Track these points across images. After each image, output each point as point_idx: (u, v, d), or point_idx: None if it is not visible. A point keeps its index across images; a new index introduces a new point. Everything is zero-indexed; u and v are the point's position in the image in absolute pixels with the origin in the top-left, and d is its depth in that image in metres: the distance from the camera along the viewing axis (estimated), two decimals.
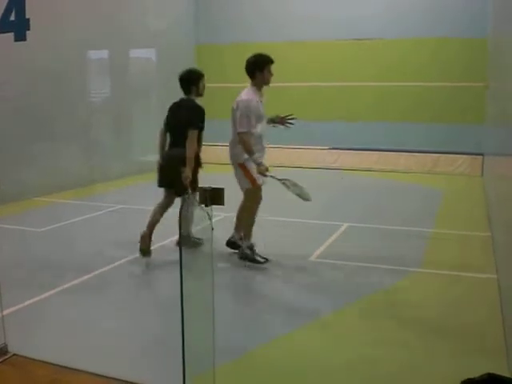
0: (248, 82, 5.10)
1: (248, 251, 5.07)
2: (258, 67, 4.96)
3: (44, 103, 8.33)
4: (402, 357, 3.32)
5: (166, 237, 5.73)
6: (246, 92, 4.99)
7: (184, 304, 2.25)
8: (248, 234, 5.13)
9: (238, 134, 4.87)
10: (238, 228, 5.20)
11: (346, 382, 3.08)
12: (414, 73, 11.11)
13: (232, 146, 5.07)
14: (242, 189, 5.05)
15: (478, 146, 10.44)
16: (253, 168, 4.92)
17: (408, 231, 6.47)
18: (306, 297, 4.33)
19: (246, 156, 4.91)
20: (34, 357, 3.18)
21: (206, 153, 13.60)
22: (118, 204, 7.85)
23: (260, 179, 4.98)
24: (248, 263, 5.02)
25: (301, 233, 6.46)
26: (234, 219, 5.20)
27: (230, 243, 5.24)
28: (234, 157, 5.06)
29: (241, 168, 5.00)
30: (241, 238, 5.14)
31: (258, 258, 5.02)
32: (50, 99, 8.47)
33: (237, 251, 5.18)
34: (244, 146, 4.85)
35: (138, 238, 5.17)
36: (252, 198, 5.04)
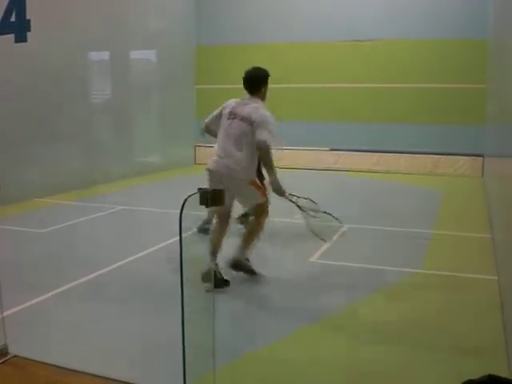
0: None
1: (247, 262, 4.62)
2: (265, 81, 4.66)
3: (45, 104, 8.34)
4: (402, 358, 3.31)
5: (168, 238, 5.73)
6: (262, 107, 4.57)
7: (184, 305, 2.25)
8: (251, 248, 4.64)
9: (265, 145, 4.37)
10: (245, 249, 4.61)
11: (346, 382, 3.07)
12: (414, 74, 11.12)
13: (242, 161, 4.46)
14: (249, 206, 4.75)
15: (478, 147, 10.44)
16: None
17: (408, 232, 6.46)
18: (306, 298, 4.33)
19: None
20: (35, 358, 3.18)
21: (203, 154, 13.58)
22: (120, 205, 7.85)
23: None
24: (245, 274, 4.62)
25: (301, 234, 6.45)
26: (241, 241, 4.64)
27: (236, 265, 4.58)
28: (246, 174, 4.48)
29: (253, 185, 4.52)
30: (247, 259, 4.62)
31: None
32: (51, 100, 8.47)
33: (241, 272, 4.62)
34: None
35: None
36: (264, 213, 4.63)
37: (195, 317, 2.40)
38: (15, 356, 3.19)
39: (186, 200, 2.22)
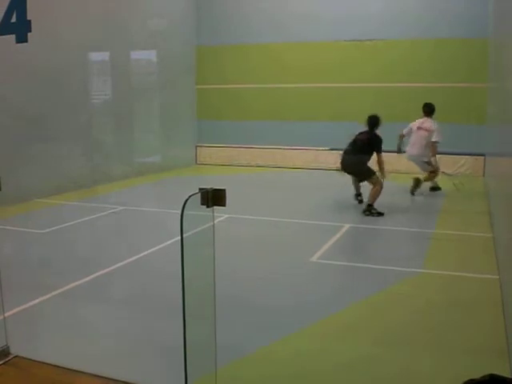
0: None
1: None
2: (434, 110, 8.90)
3: (46, 104, 8.34)
4: (404, 357, 3.31)
5: (169, 239, 5.73)
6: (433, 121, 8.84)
7: (186, 305, 2.25)
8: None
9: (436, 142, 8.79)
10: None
11: (347, 382, 3.07)
12: (415, 73, 11.10)
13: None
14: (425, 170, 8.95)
15: (479, 146, 10.43)
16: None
17: (410, 232, 6.46)
18: (307, 298, 4.33)
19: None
20: (36, 358, 3.18)
21: (204, 154, 13.44)
22: (120, 205, 7.86)
23: None
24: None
25: (302, 233, 6.46)
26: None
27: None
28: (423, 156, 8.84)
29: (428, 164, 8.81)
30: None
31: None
32: (52, 100, 8.47)
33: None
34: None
35: None
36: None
37: (197, 317, 2.40)
38: (17, 356, 3.19)
39: (187, 200, 2.22)
